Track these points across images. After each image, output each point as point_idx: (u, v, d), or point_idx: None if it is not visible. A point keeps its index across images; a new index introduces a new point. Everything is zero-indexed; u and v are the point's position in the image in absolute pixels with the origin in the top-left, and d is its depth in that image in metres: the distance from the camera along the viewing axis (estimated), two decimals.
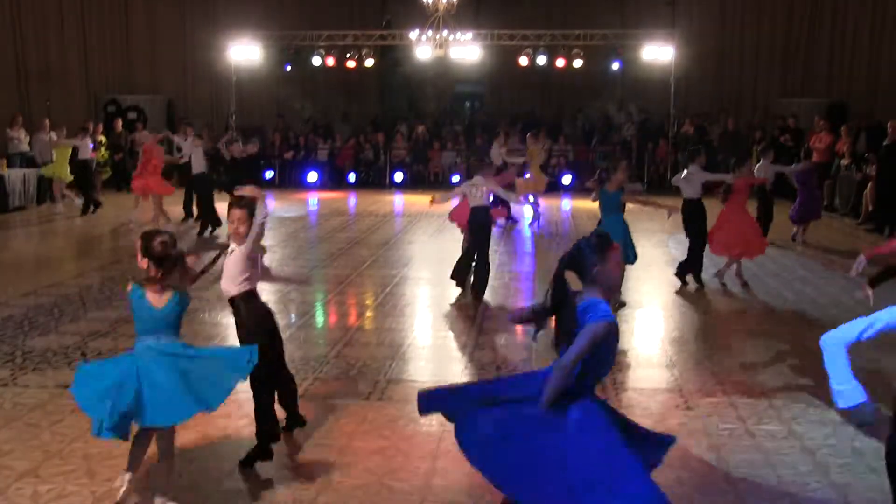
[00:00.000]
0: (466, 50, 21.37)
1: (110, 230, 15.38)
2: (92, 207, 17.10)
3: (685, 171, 11.15)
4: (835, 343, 4.06)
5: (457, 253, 10.99)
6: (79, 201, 17.45)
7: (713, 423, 6.18)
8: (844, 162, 17.97)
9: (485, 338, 8.55)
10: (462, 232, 11.56)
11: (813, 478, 5.29)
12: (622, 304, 9.66)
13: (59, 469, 5.26)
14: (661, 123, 22.96)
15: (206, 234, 14.50)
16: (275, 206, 18.14)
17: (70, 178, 17.65)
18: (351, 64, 22.10)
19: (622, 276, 9.55)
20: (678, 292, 10.65)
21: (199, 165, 14.97)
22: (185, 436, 5.80)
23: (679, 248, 13.22)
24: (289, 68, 22.76)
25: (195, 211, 15.42)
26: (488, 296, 10.20)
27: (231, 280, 5.36)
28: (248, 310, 5.38)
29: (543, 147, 16.81)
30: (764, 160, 13.56)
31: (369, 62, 22.16)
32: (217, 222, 14.40)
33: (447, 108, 26.08)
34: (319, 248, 13.94)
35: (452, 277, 10.35)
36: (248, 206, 5.27)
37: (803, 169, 14.75)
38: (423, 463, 5.46)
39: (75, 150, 17.53)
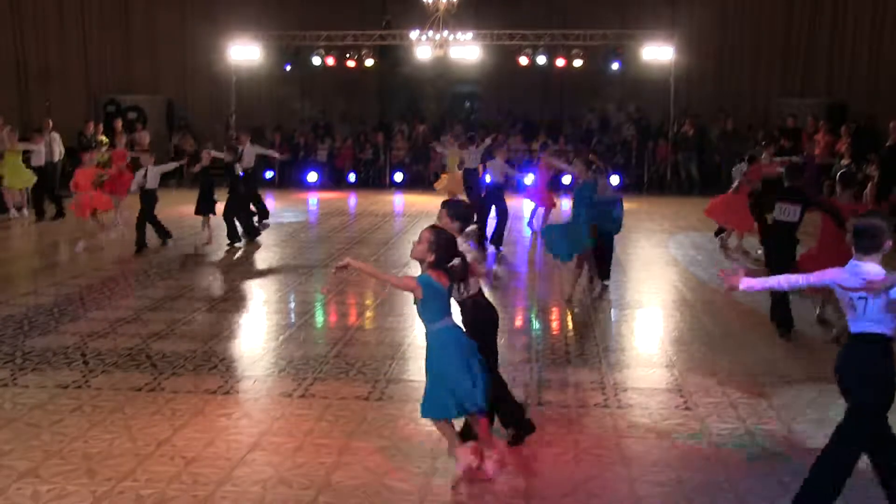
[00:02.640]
0: (466, 50, 21.36)
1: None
2: (55, 214, 16.17)
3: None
4: None
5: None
6: (19, 213, 16.44)
7: (713, 423, 6.19)
8: (844, 162, 17.96)
9: None
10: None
11: None
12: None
13: (59, 469, 5.26)
14: (661, 123, 22.93)
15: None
16: (275, 205, 18.12)
17: (21, 186, 16.52)
18: (351, 64, 22.09)
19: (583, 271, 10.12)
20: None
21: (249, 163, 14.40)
22: (186, 434, 5.81)
23: (679, 248, 13.21)
24: (289, 68, 22.75)
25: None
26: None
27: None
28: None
29: (463, 150, 16.02)
30: (765, 153, 14.90)
31: (369, 62, 22.15)
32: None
33: (447, 107, 26.05)
34: (319, 247, 13.93)
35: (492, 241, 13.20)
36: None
37: (802, 161, 16.08)
38: (423, 463, 5.46)
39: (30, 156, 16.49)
